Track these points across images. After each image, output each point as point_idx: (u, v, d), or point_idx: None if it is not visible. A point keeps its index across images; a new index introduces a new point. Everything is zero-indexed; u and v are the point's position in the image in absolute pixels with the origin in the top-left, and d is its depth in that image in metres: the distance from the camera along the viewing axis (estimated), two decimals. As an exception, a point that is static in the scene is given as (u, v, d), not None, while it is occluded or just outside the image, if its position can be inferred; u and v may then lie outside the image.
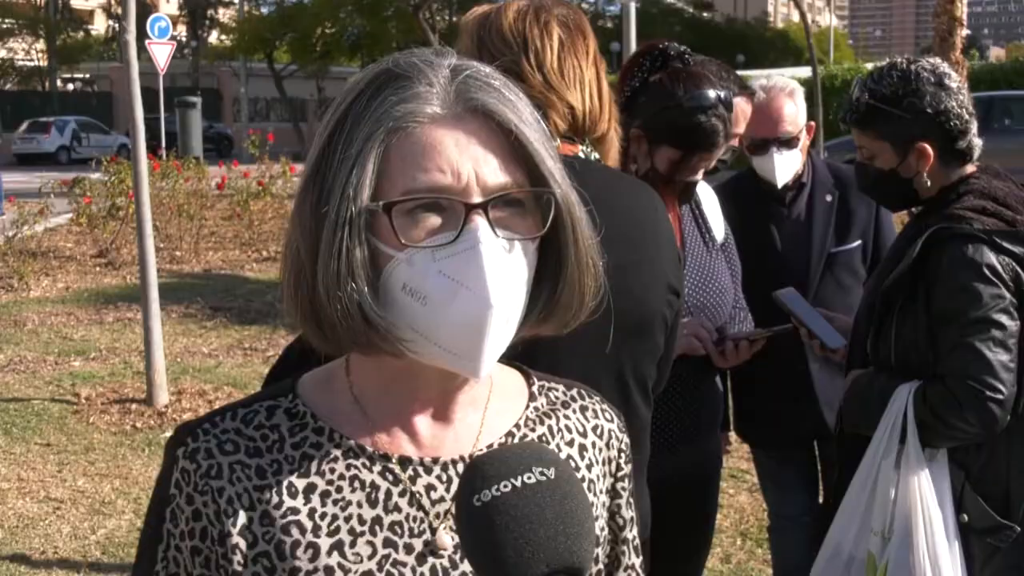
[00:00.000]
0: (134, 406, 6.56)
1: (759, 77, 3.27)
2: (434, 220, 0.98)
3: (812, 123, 3.18)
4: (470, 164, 0.98)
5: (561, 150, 1.79)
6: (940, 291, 2.23)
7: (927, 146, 2.35)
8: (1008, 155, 17.29)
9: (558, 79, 1.81)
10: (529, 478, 0.89)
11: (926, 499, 2.23)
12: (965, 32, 8.45)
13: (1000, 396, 2.17)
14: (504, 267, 0.98)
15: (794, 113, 3.08)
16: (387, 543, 1.04)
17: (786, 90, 3.09)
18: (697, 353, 2.46)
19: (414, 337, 1.00)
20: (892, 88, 2.36)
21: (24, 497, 5.17)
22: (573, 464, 1.13)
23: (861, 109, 2.41)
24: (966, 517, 2.26)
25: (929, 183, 2.39)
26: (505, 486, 0.88)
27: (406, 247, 0.98)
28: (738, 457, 4.95)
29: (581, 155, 1.86)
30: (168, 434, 6.06)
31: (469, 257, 0.97)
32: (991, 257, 2.20)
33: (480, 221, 0.97)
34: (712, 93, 2.41)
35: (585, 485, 1.12)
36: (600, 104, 1.87)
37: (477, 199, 0.98)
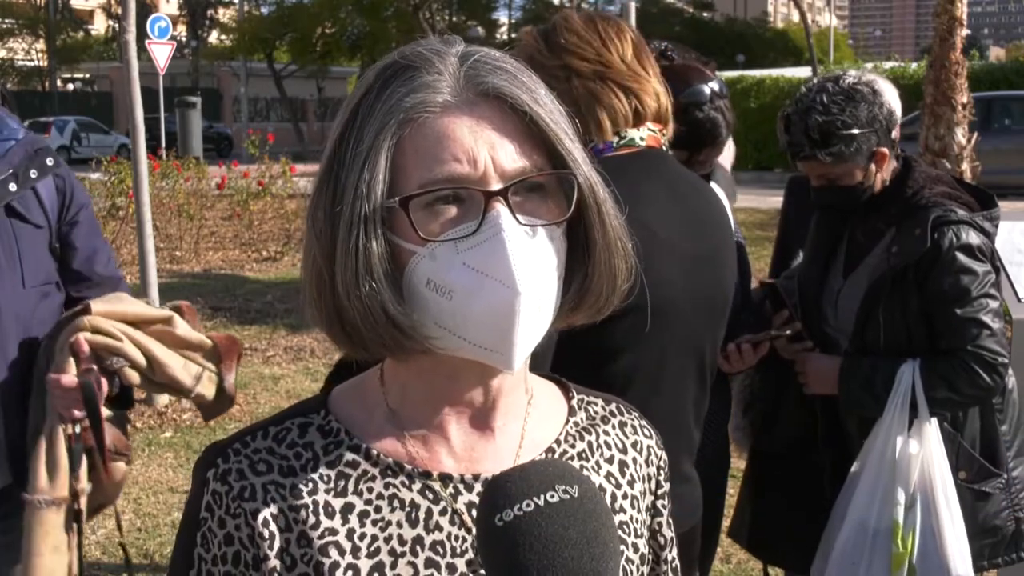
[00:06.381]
0: (134, 406, 6.55)
1: None
2: (453, 211, 0.95)
3: None
4: (486, 150, 0.95)
5: (649, 142, 1.86)
6: (940, 273, 2.37)
7: (885, 150, 2.49)
8: (1008, 155, 17.42)
9: (642, 69, 1.89)
10: (552, 497, 0.85)
11: (940, 465, 2.43)
12: (965, 32, 8.44)
13: (1005, 360, 2.41)
14: (529, 253, 0.94)
15: None
16: (429, 564, 1.00)
17: None
18: None
19: (442, 334, 0.96)
20: (843, 111, 2.45)
21: (24, 497, 5.16)
22: (614, 481, 1.09)
23: (818, 140, 2.46)
24: (963, 474, 2.47)
25: (885, 181, 2.54)
26: (528, 505, 0.85)
27: (427, 241, 0.94)
28: (738, 457, 4.92)
29: (665, 148, 1.93)
30: (168, 434, 6.08)
31: (492, 246, 0.93)
32: (976, 238, 2.38)
33: (500, 208, 0.94)
34: (705, 88, 2.40)
35: (628, 502, 1.10)
36: (670, 98, 1.95)
37: (496, 186, 0.94)
